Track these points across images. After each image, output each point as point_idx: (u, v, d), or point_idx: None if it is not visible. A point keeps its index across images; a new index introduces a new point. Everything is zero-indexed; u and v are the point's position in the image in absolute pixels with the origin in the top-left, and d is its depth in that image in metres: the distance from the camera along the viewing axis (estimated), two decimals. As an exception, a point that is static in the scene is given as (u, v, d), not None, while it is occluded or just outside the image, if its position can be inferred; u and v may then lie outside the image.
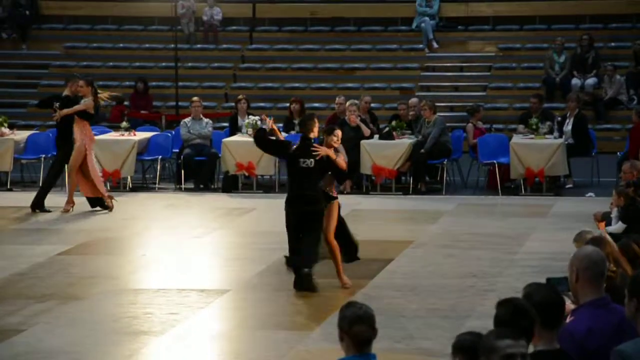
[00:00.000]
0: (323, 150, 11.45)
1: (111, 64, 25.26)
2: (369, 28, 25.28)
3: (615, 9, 24.39)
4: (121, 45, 25.78)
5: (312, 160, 11.38)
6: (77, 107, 15.82)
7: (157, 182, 18.38)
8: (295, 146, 11.60)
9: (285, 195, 11.78)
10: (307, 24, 25.73)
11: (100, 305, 10.89)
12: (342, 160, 11.66)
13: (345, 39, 25.15)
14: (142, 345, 9.61)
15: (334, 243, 11.54)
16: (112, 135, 18.86)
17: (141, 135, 18.84)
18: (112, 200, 16.02)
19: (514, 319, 4.71)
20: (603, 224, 12.10)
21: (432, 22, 24.68)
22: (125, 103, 23.20)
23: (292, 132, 18.66)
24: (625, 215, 11.41)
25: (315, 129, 11.62)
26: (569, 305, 5.82)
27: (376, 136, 17.93)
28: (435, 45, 24.59)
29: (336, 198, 11.71)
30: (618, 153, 18.23)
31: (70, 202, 16.02)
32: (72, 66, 24.88)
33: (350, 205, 16.59)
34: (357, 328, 4.96)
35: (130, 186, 18.24)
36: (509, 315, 4.72)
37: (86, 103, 15.83)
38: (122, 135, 18.50)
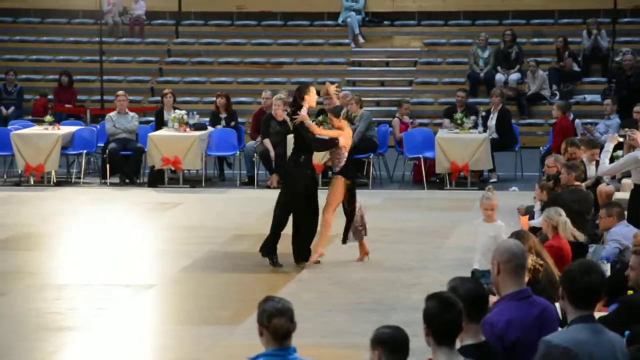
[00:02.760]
0: (301, 116, 12.00)
1: (35, 57, 24.95)
2: (296, 23, 25.29)
3: (537, 5, 24.72)
4: (45, 38, 25.46)
5: (294, 123, 12.04)
6: None
7: (82, 176, 18.20)
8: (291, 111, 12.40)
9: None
10: (234, 18, 25.66)
11: (24, 301, 10.76)
12: (329, 132, 12.11)
13: (272, 34, 25.13)
14: (67, 341, 9.53)
15: (327, 218, 11.96)
16: (36, 130, 18.64)
17: (65, 129, 18.64)
18: None
19: (444, 312, 4.78)
20: (526, 217, 12.28)
21: (358, 17, 24.78)
22: (50, 97, 22.92)
23: (219, 127, 18.62)
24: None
25: (308, 97, 12.10)
26: (493, 297, 5.91)
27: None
28: (361, 40, 24.70)
29: (339, 173, 12.06)
30: (541, 148, 18.48)
31: None
32: (-5, 59, 24.54)
33: (274, 200, 16.58)
34: (276, 321, 4.98)
35: (55, 181, 18.04)
36: (438, 309, 4.79)
37: None
38: (46, 129, 18.29)
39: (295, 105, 12.29)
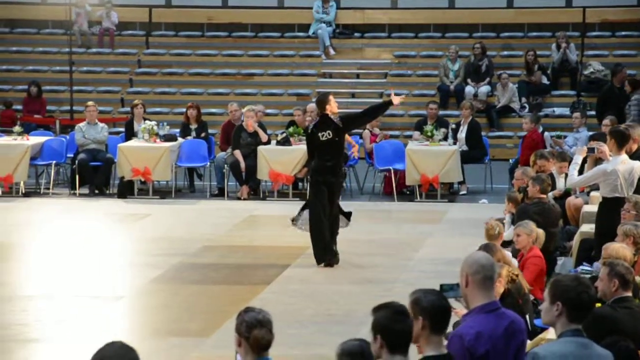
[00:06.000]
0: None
1: (4, 67, 24.82)
2: (266, 34, 25.30)
3: (507, 18, 24.85)
4: (14, 48, 25.32)
5: (330, 132, 12.46)
6: None
7: (51, 187, 18.11)
8: (314, 122, 12.96)
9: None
10: (204, 29, 25.63)
11: (-9, 313, 10.68)
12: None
13: (243, 45, 25.12)
14: (33, 353, 9.47)
15: None
16: (4, 140, 18.51)
17: (34, 139, 18.54)
18: None
19: (397, 321, 4.79)
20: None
21: (329, 29, 24.82)
22: (16, 107, 22.78)
23: (189, 138, 18.57)
24: (514, 221, 11.60)
25: (329, 106, 12.64)
26: (462, 310, 5.92)
27: (274, 142, 17.96)
28: (332, 51, 24.74)
29: None
30: (510, 160, 18.56)
31: None
32: (-37, 69, 24.38)
33: (247, 211, 16.59)
34: (257, 333, 4.99)
35: (24, 191, 17.93)
36: (392, 319, 4.80)
37: None
38: (15, 139, 18.18)
39: (320, 115, 12.76)
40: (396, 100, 12.85)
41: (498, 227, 10.04)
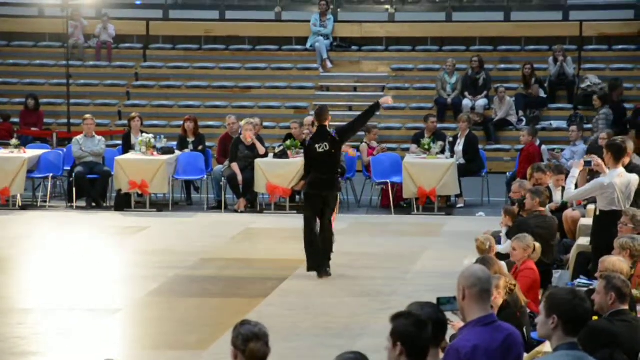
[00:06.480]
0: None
1: (1, 80, 24.83)
2: (264, 47, 25.34)
3: (504, 31, 24.91)
4: (11, 61, 25.36)
5: (327, 144, 12.52)
6: None
7: (48, 200, 18.10)
8: (311, 134, 13.17)
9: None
10: (202, 42, 25.67)
11: (-12, 326, 10.66)
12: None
13: (240, 58, 25.15)
14: (31, 367, 9.45)
15: None
16: (1, 153, 18.51)
17: (31, 152, 18.54)
18: None
19: (422, 331, 4.79)
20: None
21: (327, 42, 24.86)
22: (13, 120, 22.79)
23: (186, 150, 18.58)
24: (512, 234, 11.61)
25: (329, 118, 12.86)
26: (459, 323, 5.92)
27: (271, 155, 17.97)
28: (329, 64, 24.78)
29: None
30: (507, 173, 18.58)
31: None
32: (-40, 82, 24.39)
33: (244, 224, 16.59)
34: (253, 346, 4.98)
35: (20, 204, 17.92)
36: (417, 328, 4.80)
37: None
38: (12, 152, 18.18)
39: (319, 127, 12.85)
40: (384, 100, 13.03)
41: (489, 241, 10.11)
